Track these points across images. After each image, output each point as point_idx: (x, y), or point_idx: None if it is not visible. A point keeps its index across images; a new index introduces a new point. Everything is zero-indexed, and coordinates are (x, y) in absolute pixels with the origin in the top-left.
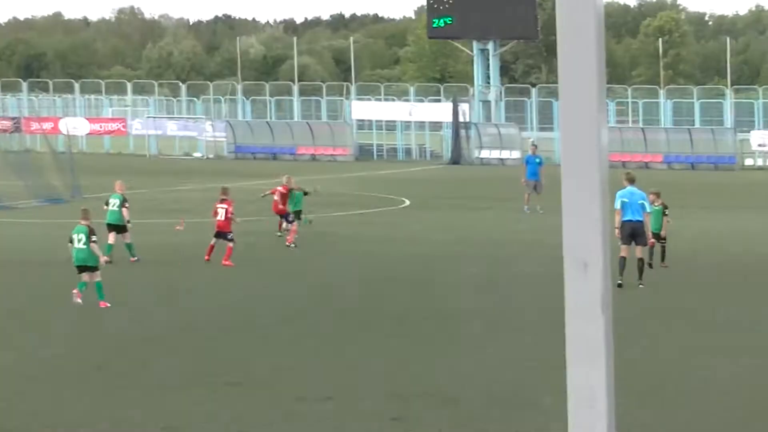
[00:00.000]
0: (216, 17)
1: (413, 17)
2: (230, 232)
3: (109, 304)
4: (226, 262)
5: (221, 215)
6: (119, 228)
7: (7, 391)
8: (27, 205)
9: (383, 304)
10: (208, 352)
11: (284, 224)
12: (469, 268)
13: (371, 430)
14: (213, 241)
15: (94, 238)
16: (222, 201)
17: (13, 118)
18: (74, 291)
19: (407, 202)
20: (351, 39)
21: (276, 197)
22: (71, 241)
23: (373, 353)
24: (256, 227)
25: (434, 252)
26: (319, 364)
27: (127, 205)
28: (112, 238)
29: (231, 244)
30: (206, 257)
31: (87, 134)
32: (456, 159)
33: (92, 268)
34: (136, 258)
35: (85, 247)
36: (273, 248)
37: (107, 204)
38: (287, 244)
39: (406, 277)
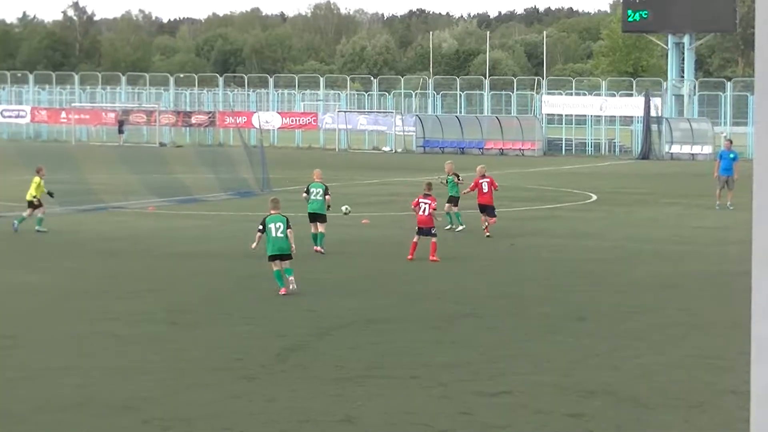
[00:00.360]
0: (410, 12)
1: (608, 11)
2: (433, 227)
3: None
4: (433, 258)
5: (424, 210)
6: (321, 217)
7: (189, 382)
8: (217, 198)
9: (564, 299)
10: (388, 345)
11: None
12: (651, 265)
13: (547, 425)
14: (416, 238)
15: (290, 225)
16: (426, 196)
17: (209, 113)
18: (281, 292)
19: (594, 197)
20: (544, 33)
21: (486, 189)
22: (263, 230)
23: (552, 349)
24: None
25: (618, 247)
26: (499, 359)
27: (329, 193)
28: (314, 227)
29: (434, 239)
30: (409, 256)
31: (279, 128)
32: (645, 154)
33: (287, 257)
34: (323, 251)
35: (283, 235)
36: (466, 242)
37: (308, 192)
38: (487, 234)
39: (588, 273)
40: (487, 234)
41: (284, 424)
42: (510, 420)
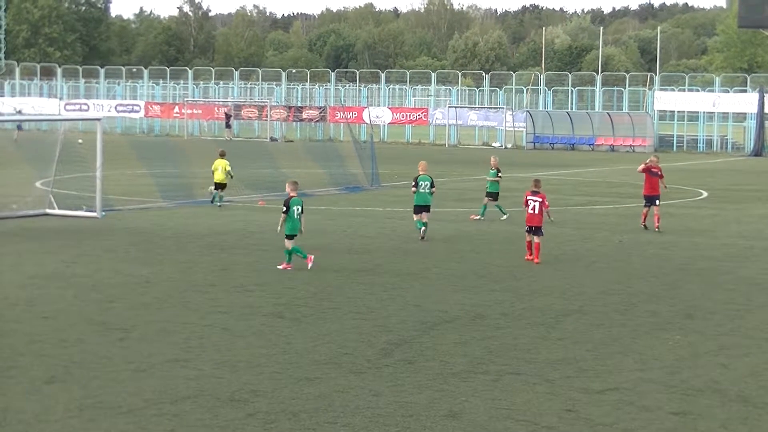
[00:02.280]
0: (524, 7)
1: (724, 6)
2: (541, 225)
3: (291, 267)
4: (538, 261)
5: (534, 208)
6: (427, 208)
7: (295, 376)
8: (326, 193)
9: (673, 296)
10: (494, 341)
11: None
12: (762, 262)
13: (653, 423)
14: (528, 237)
15: (303, 209)
16: (534, 193)
17: (320, 108)
18: (281, 266)
19: (704, 194)
20: (658, 29)
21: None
22: (286, 212)
23: (660, 347)
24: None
25: (728, 244)
26: (606, 356)
27: (435, 185)
28: (419, 217)
29: (539, 240)
30: (528, 256)
31: (389, 123)
32: (758, 151)
33: (295, 236)
34: (424, 237)
35: (298, 218)
36: (574, 238)
37: (416, 185)
38: (656, 228)
39: (698, 270)
40: (657, 228)
41: (389, 419)
42: (616, 417)
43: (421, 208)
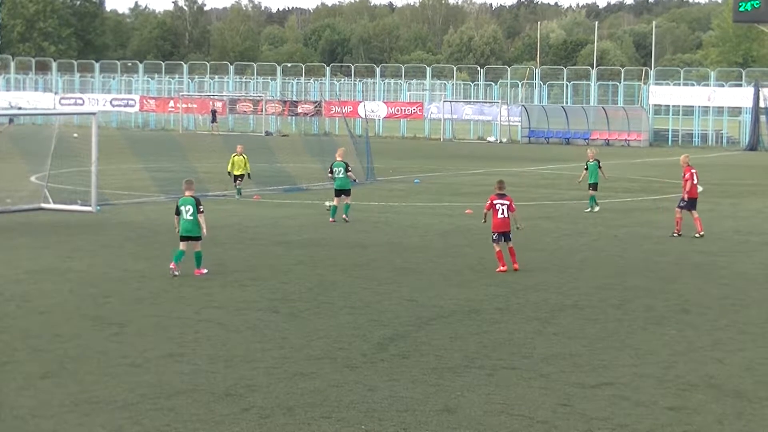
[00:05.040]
0: (519, 2)
1: (719, 1)
2: (510, 231)
3: (205, 270)
4: (516, 267)
5: (502, 212)
6: (346, 191)
7: (290, 371)
8: (321, 187)
9: (668, 291)
10: (489, 335)
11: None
12: (758, 257)
13: (648, 418)
14: (497, 247)
15: (201, 209)
16: (500, 196)
17: (315, 102)
18: (171, 265)
19: (700, 189)
20: (653, 23)
21: (696, 180)
22: (178, 213)
23: (655, 341)
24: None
25: (723, 239)
26: (601, 351)
27: (350, 169)
28: (338, 201)
29: (512, 244)
30: (502, 267)
31: (384, 118)
32: (753, 145)
33: (195, 238)
34: (347, 219)
35: (191, 218)
36: (569, 233)
37: (332, 171)
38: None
39: (693, 265)
40: (679, 232)
41: (383, 413)
42: (610, 412)
43: (340, 192)
